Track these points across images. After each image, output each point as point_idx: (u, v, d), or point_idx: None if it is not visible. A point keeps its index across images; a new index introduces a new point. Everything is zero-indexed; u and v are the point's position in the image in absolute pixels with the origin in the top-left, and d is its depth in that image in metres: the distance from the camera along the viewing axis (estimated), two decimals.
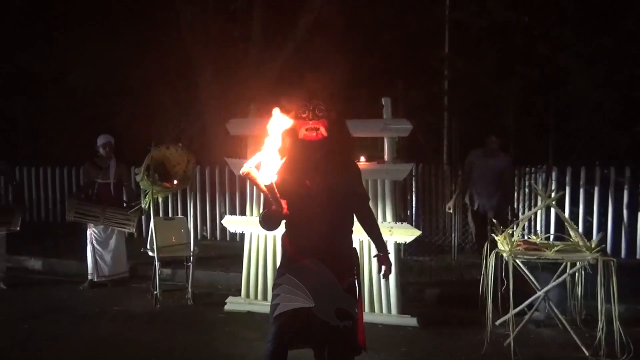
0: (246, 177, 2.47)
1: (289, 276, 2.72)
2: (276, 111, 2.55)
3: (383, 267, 2.94)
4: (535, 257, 4.06)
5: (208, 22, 8.69)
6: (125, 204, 6.06)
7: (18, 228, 5.90)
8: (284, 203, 2.54)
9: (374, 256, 3.03)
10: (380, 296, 4.75)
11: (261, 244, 5.07)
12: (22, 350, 4.22)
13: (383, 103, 4.86)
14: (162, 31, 8.79)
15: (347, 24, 8.67)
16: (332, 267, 2.71)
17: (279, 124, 2.53)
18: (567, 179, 6.74)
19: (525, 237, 4.78)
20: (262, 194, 2.77)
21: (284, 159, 2.53)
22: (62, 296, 5.65)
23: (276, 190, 2.50)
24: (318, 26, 8.62)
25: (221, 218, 5.83)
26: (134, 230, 6.03)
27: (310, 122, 2.70)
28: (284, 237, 2.87)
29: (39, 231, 8.19)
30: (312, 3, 8.51)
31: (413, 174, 7.03)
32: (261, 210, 2.65)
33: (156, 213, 5.60)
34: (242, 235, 5.35)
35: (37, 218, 9.02)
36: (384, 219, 4.76)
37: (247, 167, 2.42)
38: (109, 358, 4.14)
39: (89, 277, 5.93)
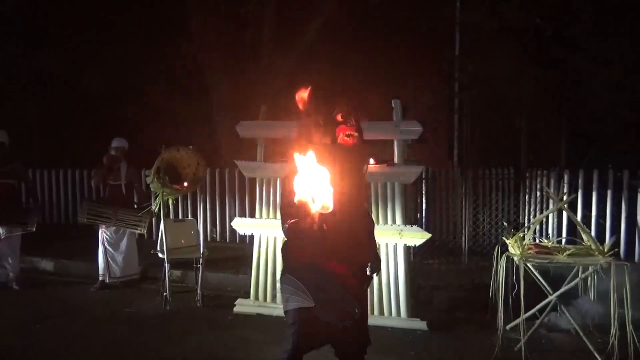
0: (299, 203, 2.45)
1: (288, 276, 2.74)
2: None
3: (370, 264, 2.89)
4: (546, 261, 4.01)
5: (219, 25, 8.73)
6: (136, 206, 6.11)
7: (34, 229, 5.97)
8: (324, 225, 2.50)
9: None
10: (389, 299, 4.73)
11: (270, 246, 5.08)
12: (34, 351, 4.26)
13: (393, 105, 4.85)
14: (174, 35, 8.85)
15: (357, 27, 8.66)
16: (354, 268, 2.73)
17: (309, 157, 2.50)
18: (580, 181, 6.64)
19: (537, 241, 4.73)
20: (278, 201, 2.77)
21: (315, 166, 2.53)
22: (73, 297, 5.71)
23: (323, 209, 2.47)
24: (328, 29, 8.62)
25: (231, 220, 5.84)
26: (145, 231, 6.06)
27: (349, 128, 2.72)
28: (290, 244, 2.85)
29: (52, 232, 8.27)
30: (321, 7, 8.52)
31: (423, 176, 6.99)
32: (280, 217, 2.61)
33: (166, 215, 5.62)
34: (251, 237, 5.36)
35: (50, 219, 9.10)
36: (394, 221, 4.74)
37: (300, 194, 2.40)
38: (119, 359, 4.15)
39: (100, 278, 5.98)
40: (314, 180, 2.42)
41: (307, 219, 2.52)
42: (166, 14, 8.94)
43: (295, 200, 2.45)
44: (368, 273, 2.82)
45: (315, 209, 2.45)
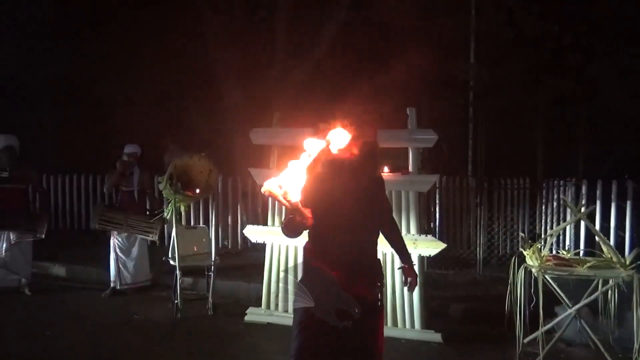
0: (268, 194, 2.48)
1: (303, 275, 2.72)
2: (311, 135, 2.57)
3: (409, 279, 2.90)
4: (566, 273, 3.90)
5: (233, 32, 8.77)
6: (148, 212, 6.10)
7: (43, 235, 5.98)
8: (308, 212, 2.52)
9: (399, 268, 2.99)
10: (403, 310, 4.64)
11: (282, 254, 5.02)
12: (46, 356, 4.24)
13: (408, 113, 4.79)
14: (188, 41, 8.90)
15: (372, 34, 8.63)
16: (358, 278, 2.67)
17: (311, 145, 2.55)
18: (598, 192, 6.52)
19: (555, 252, 4.62)
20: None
21: (312, 172, 2.53)
22: (84, 303, 5.70)
23: (299, 204, 2.49)
24: (342, 37, 8.61)
25: (243, 228, 5.80)
26: (156, 238, 6.05)
27: (347, 144, 2.69)
28: (307, 247, 2.83)
29: (65, 238, 8.31)
30: (336, 15, 8.51)
31: (437, 185, 6.91)
32: (284, 218, 2.63)
33: (178, 222, 5.60)
34: (263, 245, 5.31)
35: (63, 225, 9.15)
36: (408, 231, 4.67)
37: (268, 186, 2.44)
38: None
39: (112, 285, 5.96)
40: (288, 177, 2.45)
41: (292, 213, 2.53)
42: (181, 22, 9.01)
43: (263, 190, 2.46)
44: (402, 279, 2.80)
45: (283, 200, 2.47)
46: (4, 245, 5.87)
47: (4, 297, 5.75)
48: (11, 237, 5.88)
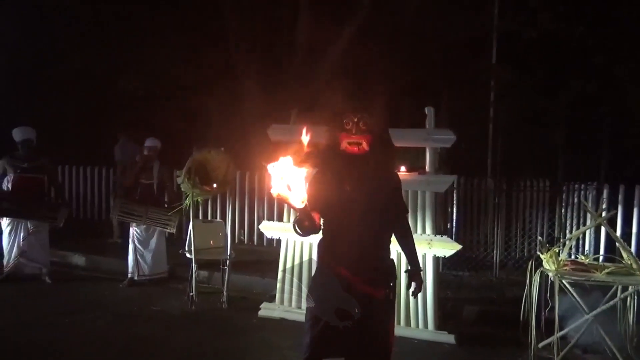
0: (278, 198, 2.47)
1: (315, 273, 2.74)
2: (305, 130, 2.55)
3: (413, 284, 2.86)
4: (583, 278, 3.85)
5: (254, 30, 8.81)
6: (166, 205, 6.18)
7: (62, 224, 6.11)
8: (316, 217, 2.53)
9: (405, 271, 2.96)
10: (416, 310, 4.63)
11: (297, 250, 5.05)
12: (63, 344, 4.33)
13: (426, 112, 4.76)
14: (209, 38, 8.96)
15: (392, 33, 8.59)
16: (368, 277, 2.67)
17: (308, 139, 2.53)
18: (620, 197, 6.39)
19: (573, 257, 4.55)
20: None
21: (321, 170, 2.53)
22: (102, 293, 5.80)
23: (308, 206, 2.48)
24: (362, 35, 8.58)
25: (259, 223, 5.84)
26: (174, 230, 6.13)
27: (354, 136, 2.67)
28: (320, 245, 2.84)
29: (85, 228, 8.46)
30: (356, 12, 8.49)
31: (455, 186, 6.85)
32: (294, 218, 2.63)
33: (195, 216, 5.66)
34: (278, 241, 5.34)
35: (83, 215, 9.32)
36: (424, 231, 4.65)
37: (278, 189, 2.41)
38: (144, 357, 4.19)
39: (129, 276, 6.07)
40: (293, 177, 2.41)
41: (301, 216, 2.53)
42: (203, 19, 9.07)
43: (274, 194, 2.44)
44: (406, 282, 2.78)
45: (296, 203, 2.44)
46: (22, 234, 6.02)
47: (25, 285, 5.90)
48: (29, 226, 6.03)
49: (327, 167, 2.72)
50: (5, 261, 6.04)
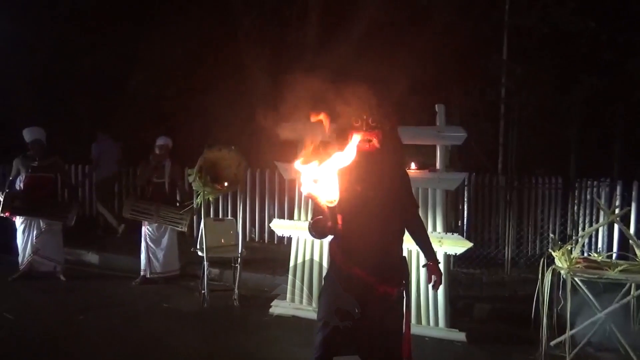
0: (309, 197, 2.45)
1: (329, 273, 2.73)
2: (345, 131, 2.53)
3: (433, 277, 2.86)
4: (596, 276, 3.82)
5: (264, 27, 8.82)
6: (178, 204, 6.23)
7: (72, 223, 6.20)
8: (339, 219, 2.51)
9: (423, 265, 2.96)
10: (428, 308, 4.62)
11: (308, 249, 5.06)
12: (77, 340, 4.40)
13: (437, 110, 4.74)
14: (219, 36, 9.00)
15: (402, 29, 8.55)
16: (382, 275, 2.67)
17: (343, 142, 2.51)
18: (634, 193, 6.32)
19: (585, 255, 4.52)
20: (311, 202, 2.77)
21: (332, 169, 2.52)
22: (116, 290, 5.87)
23: (336, 207, 2.47)
24: (372, 31, 8.55)
25: (270, 221, 5.86)
26: (186, 229, 6.18)
27: (364, 133, 2.67)
28: (332, 244, 2.84)
29: (97, 226, 8.55)
30: (366, 9, 8.46)
31: (466, 183, 6.82)
32: (310, 217, 2.63)
33: (206, 214, 5.70)
34: (289, 239, 5.36)
35: (96, 214, 9.41)
36: (434, 229, 4.64)
37: (308, 188, 2.38)
38: (156, 354, 4.23)
39: (142, 273, 6.12)
40: (322, 176, 2.39)
41: (326, 216, 2.51)
42: (212, 16, 9.10)
43: (304, 193, 2.42)
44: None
45: (323, 202, 2.42)
46: (35, 232, 6.11)
47: (40, 282, 5.98)
48: (41, 224, 6.12)
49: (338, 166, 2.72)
50: (20, 259, 6.13)
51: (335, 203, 2.41)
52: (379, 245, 2.68)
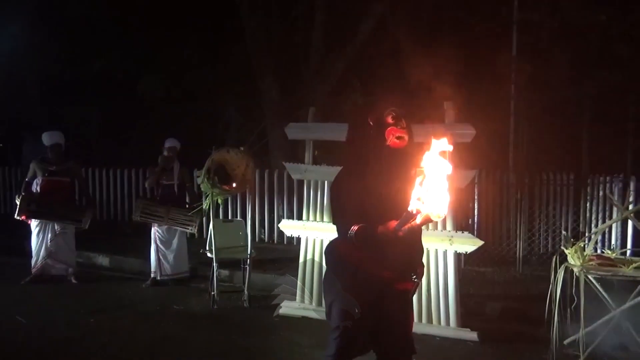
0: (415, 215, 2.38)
1: (333, 277, 2.72)
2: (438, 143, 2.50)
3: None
4: (610, 273, 3.75)
5: (270, 28, 8.82)
6: (187, 206, 6.24)
7: (87, 227, 6.23)
8: (392, 224, 2.45)
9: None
10: (438, 307, 4.58)
11: (317, 249, 5.04)
12: (89, 342, 4.41)
13: (445, 107, 4.70)
14: (226, 37, 9.01)
15: (409, 29, 8.50)
16: (402, 272, 2.66)
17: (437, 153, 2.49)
18: None
19: (599, 252, 4.45)
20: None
21: (359, 169, 2.57)
22: (126, 292, 5.89)
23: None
24: (379, 32, 8.51)
25: (279, 222, 5.85)
26: (195, 231, 6.19)
27: (399, 130, 2.65)
28: (341, 244, 2.78)
29: (108, 229, 8.61)
30: (373, 8, 8.42)
31: (476, 181, 6.76)
32: (355, 226, 2.58)
33: (216, 215, 5.70)
34: (298, 239, 5.34)
35: (107, 216, 9.48)
36: (444, 227, 4.59)
37: (416, 205, 2.35)
38: (167, 355, 4.23)
39: (152, 275, 6.15)
40: (431, 186, 2.37)
41: (380, 225, 2.46)
42: (220, 19, 9.13)
43: (412, 210, 2.36)
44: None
45: (423, 217, 2.38)
46: (49, 235, 6.15)
47: (52, 285, 6.02)
48: (56, 228, 6.16)
49: (367, 165, 2.68)
50: (33, 262, 6.18)
51: (440, 218, 2.41)
52: (405, 242, 2.61)
